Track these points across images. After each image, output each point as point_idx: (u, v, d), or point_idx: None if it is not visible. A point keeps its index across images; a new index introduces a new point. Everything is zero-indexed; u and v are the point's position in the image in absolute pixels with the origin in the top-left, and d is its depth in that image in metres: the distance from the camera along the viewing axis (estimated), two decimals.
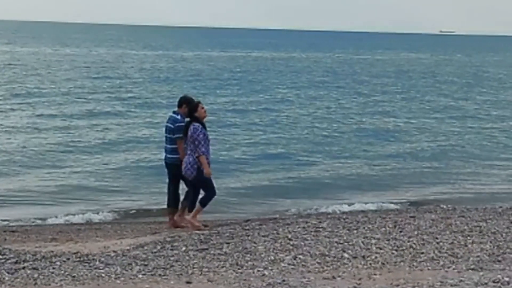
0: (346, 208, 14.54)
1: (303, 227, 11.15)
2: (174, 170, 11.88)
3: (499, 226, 11.30)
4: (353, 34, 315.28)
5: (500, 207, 13.59)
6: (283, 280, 8.13)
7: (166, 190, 12.33)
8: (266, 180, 17.40)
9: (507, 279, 7.96)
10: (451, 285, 7.79)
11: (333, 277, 8.35)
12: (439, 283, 7.88)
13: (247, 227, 11.41)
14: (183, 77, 49.15)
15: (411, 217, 12.07)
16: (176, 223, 12.12)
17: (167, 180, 12.26)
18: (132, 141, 22.22)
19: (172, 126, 11.82)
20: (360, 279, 8.28)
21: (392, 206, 14.85)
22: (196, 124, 11.52)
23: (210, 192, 11.75)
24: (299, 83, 46.87)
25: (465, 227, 11.18)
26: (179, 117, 11.82)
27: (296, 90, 41.60)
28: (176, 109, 12.02)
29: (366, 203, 14.99)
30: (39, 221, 13.35)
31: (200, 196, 11.78)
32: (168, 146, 11.95)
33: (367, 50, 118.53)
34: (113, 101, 33.21)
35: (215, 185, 11.88)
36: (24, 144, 20.83)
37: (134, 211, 14.37)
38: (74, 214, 13.84)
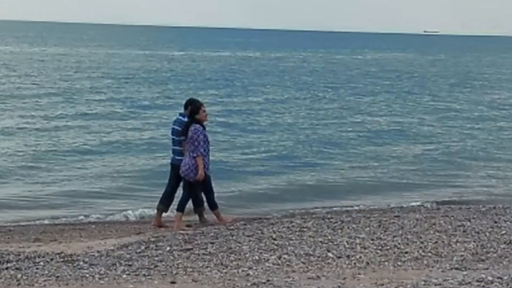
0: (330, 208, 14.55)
1: (288, 227, 11.15)
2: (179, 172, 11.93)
3: (483, 226, 11.34)
4: (338, 34, 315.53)
5: (484, 206, 13.63)
6: (268, 280, 8.13)
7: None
8: (258, 183, 17.27)
9: (490, 278, 7.99)
10: (435, 285, 7.81)
11: (318, 277, 8.36)
12: (423, 283, 7.90)
13: (232, 227, 11.39)
14: (170, 77, 48.92)
15: (395, 216, 12.09)
16: (161, 223, 12.16)
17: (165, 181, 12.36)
18: (116, 143, 21.92)
19: (179, 128, 11.88)
20: (344, 278, 8.29)
21: (377, 206, 14.86)
22: (197, 125, 11.58)
23: (212, 193, 12.01)
24: (283, 83, 46.92)
25: (449, 227, 11.22)
26: (185, 119, 11.86)
27: (282, 91, 41.64)
28: (182, 111, 12.12)
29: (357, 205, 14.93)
30: (22, 222, 13.26)
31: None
32: (176, 148, 12.02)
33: (361, 50, 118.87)
34: (96, 102, 32.70)
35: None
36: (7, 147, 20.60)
37: (118, 211, 14.31)
38: (58, 215, 13.78)
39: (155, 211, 12.50)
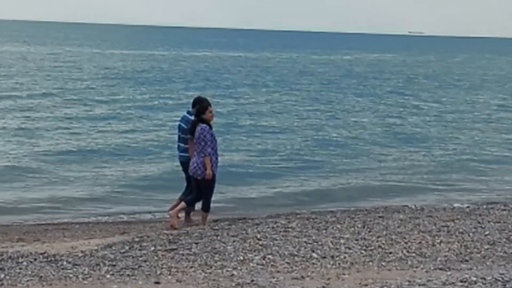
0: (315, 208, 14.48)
1: (272, 227, 11.15)
2: (187, 168, 11.98)
3: (467, 226, 11.40)
4: (325, 35, 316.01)
5: (468, 207, 13.70)
6: (252, 280, 8.12)
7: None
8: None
9: (474, 278, 8.02)
10: (419, 285, 7.83)
11: (302, 277, 8.36)
12: (407, 283, 7.91)
13: (216, 227, 11.38)
14: (156, 77, 48.78)
15: (379, 217, 12.12)
16: (189, 219, 12.23)
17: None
18: (100, 146, 21.58)
19: (185, 126, 11.97)
20: (329, 279, 8.29)
21: (361, 206, 14.81)
22: (203, 125, 11.58)
23: (210, 195, 11.88)
24: (266, 83, 46.93)
25: (433, 227, 11.27)
26: (192, 117, 11.89)
27: (265, 91, 41.60)
28: (190, 109, 12.17)
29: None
30: (5, 221, 13.17)
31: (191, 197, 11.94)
32: (181, 144, 12.15)
33: (353, 51, 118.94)
34: (77, 103, 32.23)
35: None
36: None
37: (103, 211, 14.25)
38: (41, 215, 13.70)
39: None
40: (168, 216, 12.07)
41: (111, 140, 22.69)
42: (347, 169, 19.15)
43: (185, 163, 12.09)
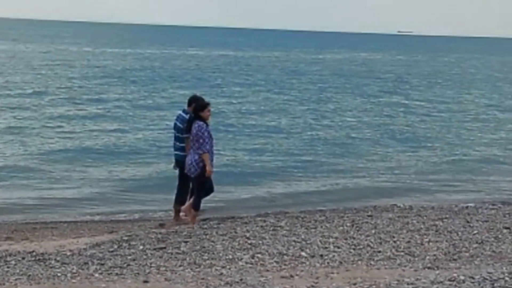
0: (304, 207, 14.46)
1: (261, 226, 11.16)
2: (183, 167, 11.96)
3: (455, 225, 11.43)
4: (315, 34, 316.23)
5: (456, 206, 13.74)
6: (241, 279, 8.12)
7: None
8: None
9: (462, 277, 8.05)
10: (408, 284, 7.85)
11: (291, 276, 8.36)
12: (396, 282, 7.93)
13: (205, 226, 11.38)
14: (146, 76, 48.63)
15: (368, 216, 12.14)
16: (179, 219, 12.22)
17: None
18: (89, 146, 21.40)
19: (181, 125, 11.95)
20: (317, 278, 8.30)
21: (350, 205, 14.79)
22: (200, 122, 11.56)
23: (200, 195, 11.83)
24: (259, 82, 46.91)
25: (422, 226, 11.29)
26: (188, 116, 11.89)
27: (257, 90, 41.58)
28: (185, 107, 12.16)
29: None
30: None
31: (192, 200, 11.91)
32: (177, 143, 12.14)
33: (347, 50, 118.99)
34: (71, 103, 31.97)
35: (214, 185, 11.99)
36: None
37: (92, 211, 14.21)
38: (30, 214, 13.65)
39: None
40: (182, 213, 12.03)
41: (100, 139, 22.63)
42: (336, 169, 19.18)
43: (180, 162, 12.09)
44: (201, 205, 11.97)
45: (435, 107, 35.60)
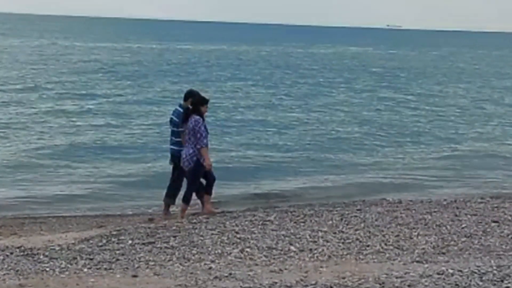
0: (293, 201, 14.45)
1: (250, 220, 11.15)
2: (178, 162, 12.00)
3: (444, 219, 11.45)
4: (304, 28, 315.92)
5: (445, 199, 13.75)
6: (230, 273, 8.11)
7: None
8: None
9: (451, 271, 8.07)
10: (397, 277, 7.86)
11: (280, 270, 8.36)
12: (384, 275, 7.94)
13: (194, 221, 11.35)
14: (136, 70, 48.47)
15: (357, 210, 12.15)
16: (167, 213, 12.26)
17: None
18: (80, 142, 21.29)
19: (177, 120, 11.98)
20: (306, 271, 8.30)
21: (340, 200, 14.78)
22: (197, 117, 11.61)
23: (192, 189, 11.93)
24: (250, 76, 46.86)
25: (411, 220, 11.31)
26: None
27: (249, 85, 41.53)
28: (182, 102, 12.16)
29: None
30: None
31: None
32: (173, 138, 12.16)
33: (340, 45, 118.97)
34: (59, 98, 31.62)
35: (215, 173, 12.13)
36: None
37: (81, 206, 14.17)
38: (18, 208, 13.60)
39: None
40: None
41: (89, 134, 22.55)
42: (326, 164, 19.22)
43: (175, 156, 12.09)
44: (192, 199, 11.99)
45: (424, 101, 35.66)
